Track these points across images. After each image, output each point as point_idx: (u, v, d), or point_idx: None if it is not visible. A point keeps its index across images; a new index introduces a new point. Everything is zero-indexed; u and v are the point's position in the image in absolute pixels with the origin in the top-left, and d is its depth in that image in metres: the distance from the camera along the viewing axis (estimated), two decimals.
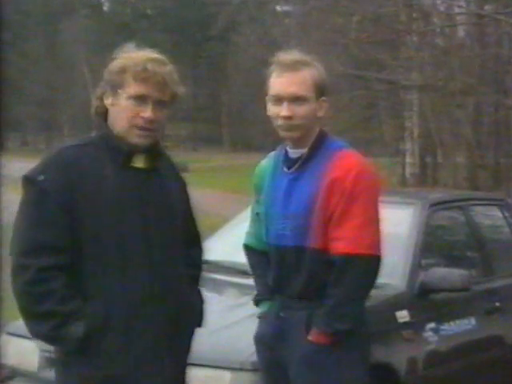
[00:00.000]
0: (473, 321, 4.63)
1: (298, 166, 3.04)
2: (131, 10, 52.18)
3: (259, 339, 3.19)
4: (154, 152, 2.69)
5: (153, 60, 2.62)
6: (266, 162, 3.22)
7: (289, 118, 2.97)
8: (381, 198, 3.04)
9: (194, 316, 2.82)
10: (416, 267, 4.41)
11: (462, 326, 4.55)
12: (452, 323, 4.48)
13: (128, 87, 2.59)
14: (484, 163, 15.58)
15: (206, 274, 4.62)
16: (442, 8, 13.08)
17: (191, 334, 2.80)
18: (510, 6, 11.17)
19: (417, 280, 4.33)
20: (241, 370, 3.64)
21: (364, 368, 3.07)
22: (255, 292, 3.28)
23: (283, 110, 2.96)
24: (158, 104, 2.62)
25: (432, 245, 4.80)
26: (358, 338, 3.02)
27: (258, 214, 3.21)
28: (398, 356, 4.09)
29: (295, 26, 18.96)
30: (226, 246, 5.08)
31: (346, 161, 3.00)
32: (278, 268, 3.09)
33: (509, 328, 4.93)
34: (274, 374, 3.13)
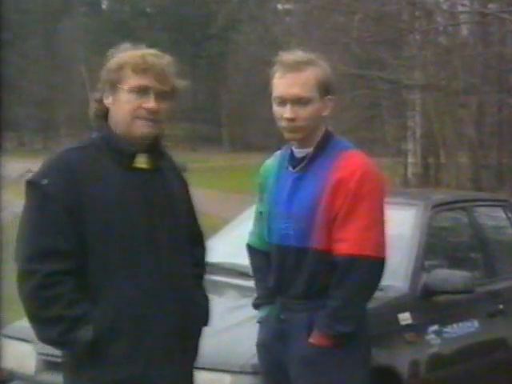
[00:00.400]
0: (476, 323, 4.63)
1: (303, 166, 3.05)
2: (130, 8, 52.15)
3: (260, 343, 3.20)
4: (156, 152, 2.70)
5: (150, 53, 2.65)
6: (271, 161, 3.23)
7: (292, 119, 2.97)
8: (386, 200, 3.05)
9: (201, 315, 2.84)
10: (418, 269, 4.42)
11: (464, 329, 4.55)
12: (455, 326, 4.48)
13: (128, 80, 2.60)
14: (487, 163, 15.57)
15: (206, 276, 4.65)
16: (445, 6, 13.08)
17: (199, 333, 2.81)
18: None
19: (419, 282, 4.34)
20: (241, 372, 3.65)
21: (365, 370, 3.07)
22: (255, 295, 3.28)
23: (286, 112, 2.97)
24: (160, 95, 2.62)
25: (435, 246, 4.80)
26: (360, 340, 3.03)
27: (261, 213, 3.21)
28: (401, 359, 4.09)
29: (296, 25, 18.94)
30: (227, 247, 5.09)
31: (351, 161, 3.00)
32: (280, 268, 3.09)
33: None
34: (276, 376, 3.14)
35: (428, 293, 4.32)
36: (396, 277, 4.21)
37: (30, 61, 48.57)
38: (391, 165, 18.08)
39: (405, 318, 4.16)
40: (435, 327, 4.34)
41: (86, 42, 47.42)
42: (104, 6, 56.56)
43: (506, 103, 14.15)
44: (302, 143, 3.06)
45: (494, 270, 5.06)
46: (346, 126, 14.64)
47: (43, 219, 2.55)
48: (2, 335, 4.32)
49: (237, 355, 3.70)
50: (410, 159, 18.58)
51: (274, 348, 3.10)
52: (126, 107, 2.61)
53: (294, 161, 3.09)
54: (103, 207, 2.57)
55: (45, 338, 2.60)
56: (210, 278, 4.66)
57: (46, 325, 2.54)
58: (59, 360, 2.79)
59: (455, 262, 4.99)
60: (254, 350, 3.33)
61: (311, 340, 2.97)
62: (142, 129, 2.62)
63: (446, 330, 4.40)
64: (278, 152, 3.24)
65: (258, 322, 3.22)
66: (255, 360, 3.42)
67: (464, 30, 15.51)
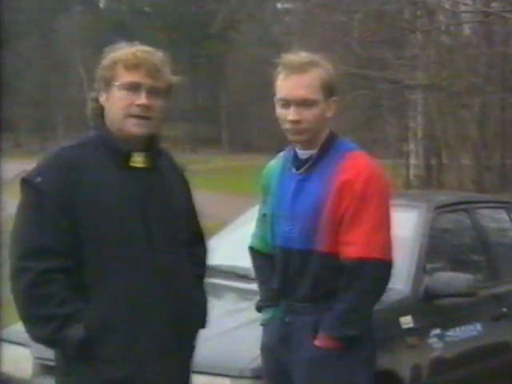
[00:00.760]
0: (479, 327, 4.63)
1: (307, 167, 3.06)
2: (128, 7, 52.18)
3: (264, 346, 3.20)
4: (153, 151, 2.70)
5: (142, 49, 2.66)
6: (275, 163, 3.24)
7: (296, 122, 2.98)
8: (392, 201, 3.06)
9: (198, 316, 2.84)
10: (420, 271, 4.42)
11: (467, 333, 4.55)
12: (457, 329, 4.48)
13: (120, 77, 2.61)
14: (490, 164, 15.56)
15: (206, 279, 4.65)
16: (447, 5, 13.07)
17: (195, 334, 2.82)
18: None
19: (421, 285, 4.34)
20: (240, 377, 3.65)
21: (370, 373, 3.08)
22: (256, 297, 3.28)
23: (290, 114, 2.97)
24: (152, 91, 2.62)
25: (437, 249, 4.80)
26: (365, 343, 3.04)
27: (264, 215, 3.21)
28: (402, 363, 4.09)
29: (296, 24, 18.96)
30: (226, 249, 5.09)
31: (356, 163, 3.01)
32: (284, 271, 3.09)
33: None
34: (280, 380, 3.14)
35: (430, 296, 4.32)
36: (397, 279, 4.19)
37: (26, 60, 48.57)
38: (393, 166, 18.08)
39: (406, 321, 4.16)
40: (437, 331, 4.34)
41: (83, 42, 47.39)
42: (101, 5, 56.59)
43: (509, 103, 14.15)
44: (306, 145, 3.06)
45: (497, 273, 5.06)
46: (347, 127, 14.64)
47: (37, 217, 2.56)
48: (1, 340, 4.32)
49: (236, 359, 3.70)
50: (412, 160, 18.60)
51: (278, 351, 3.10)
52: (118, 104, 2.62)
53: (297, 162, 3.09)
54: (98, 206, 2.57)
55: (36, 337, 2.61)
56: (210, 280, 4.67)
57: (38, 323, 2.55)
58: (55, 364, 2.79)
59: (458, 265, 4.99)
60: (253, 353, 3.33)
61: (317, 342, 2.97)
62: (134, 128, 2.63)
63: (448, 333, 4.40)
64: (281, 153, 3.24)
65: (262, 324, 3.22)
66: (255, 364, 3.42)
67: (466, 30, 15.52)
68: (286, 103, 2.99)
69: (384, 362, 3.78)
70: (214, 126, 50.43)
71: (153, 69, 2.61)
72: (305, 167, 3.07)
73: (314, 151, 3.06)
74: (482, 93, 13.58)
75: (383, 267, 2.99)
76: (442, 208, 4.95)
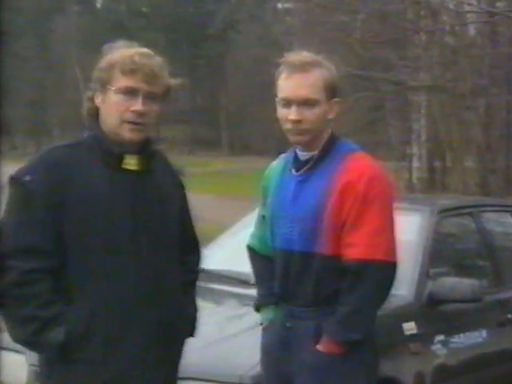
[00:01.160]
0: (484, 333, 4.63)
1: (308, 169, 3.06)
2: (126, 7, 52.18)
3: (264, 351, 3.20)
4: (147, 153, 2.70)
5: (140, 53, 2.65)
6: (276, 164, 3.24)
7: (298, 121, 2.98)
8: (395, 203, 3.06)
9: (186, 323, 2.83)
10: (424, 277, 4.42)
11: (472, 339, 4.55)
12: (462, 336, 4.48)
13: (116, 81, 2.62)
14: (495, 167, 15.56)
15: (204, 284, 4.64)
16: (451, 5, 13.08)
17: (183, 343, 2.81)
18: None
19: (425, 290, 4.34)
20: None
21: (372, 379, 3.08)
22: (256, 298, 3.28)
23: (292, 114, 2.97)
24: (149, 97, 2.63)
25: (441, 253, 4.80)
26: (368, 347, 3.04)
27: (263, 216, 3.22)
28: (405, 370, 4.09)
29: (297, 25, 18.98)
30: (225, 254, 5.09)
31: (358, 164, 3.01)
32: (284, 274, 3.09)
33: None
34: None
35: (434, 301, 4.32)
36: (400, 285, 4.18)
37: (22, 61, 48.61)
38: (395, 169, 18.08)
39: (410, 327, 4.16)
40: (441, 337, 4.34)
41: (79, 42, 47.43)
42: (99, 5, 56.58)
43: None
44: (307, 146, 3.06)
45: (502, 278, 5.06)
46: (349, 129, 14.64)
47: (25, 216, 2.57)
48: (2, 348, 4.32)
49: (236, 366, 3.70)
50: (415, 163, 18.58)
51: (279, 356, 3.10)
52: (114, 109, 2.63)
53: (297, 163, 3.09)
54: (86, 207, 2.58)
55: (16, 337, 2.61)
56: (208, 285, 4.69)
57: (19, 323, 2.55)
58: None
59: (462, 270, 4.99)
60: (253, 360, 3.33)
61: (320, 347, 2.97)
62: (129, 133, 2.64)
63: (452, 340, 4.40)
64: (283, 154, 3.24)
65: (261, 324, 3.22)
66: (255, 371, 3.42)
67: (471, 30, 15.52)
68: (288, 103, 2.99)
69: (387, 368, 3.78)
70: (213, 127, 50.44)
71: (150, 74, 2.62)
72: (305, 168, 3.07)
73: (314, 152, 3.06)
74: (487, 94, 13.59)
75: (387, 269, 2.99)
76: (445, 212, 4.95)
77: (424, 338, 4.23)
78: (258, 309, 3.24)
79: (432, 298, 4.31)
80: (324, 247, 2.98)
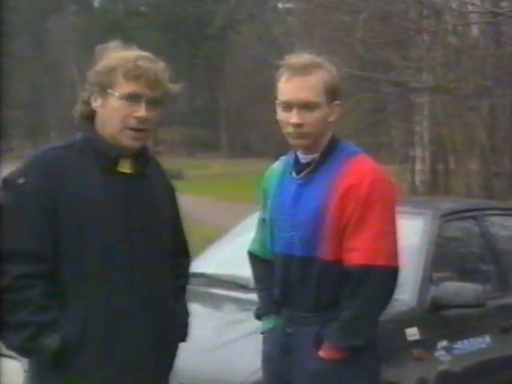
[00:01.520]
0: (487, 339, 4.63)
1: (308, 172, 3.06)
2: (123, 6, 52.23)
3: (265, 357, 3.19)
4: (141, 157, 2.70)
5: (143, 57, 2.65)
6: (277, 166, 3.24)
7: (299, 125, 2.97)
8: (397, 207, 3.05)
9: (179, 328, 2.83)
10: (427, 281, 4.41)
11: (476, 345, 4.54)
12: (465, 341, 4.48)
13: (119, 86, 2.61)
14: (499, 170, 15.57)
15: (203, 288, 4.65)
16: (454, 5, 13.08)
17: (175, 349, 2.81)
18: None
19: (428, 295, 4.33)
20: None
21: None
22: (257, 306, 3.27)
23: (293, 117, 2.97)
24: (151, 103, 2.63)
25: (444, 257, 4.79)
26: (371, 353, 3.04)
27: (263, 220, 3.22)
28: (408, 376, 4.09)
29: (298, 25, 18.99)
30: (225, 258, 5.09)
31: (359, 167, 3.01)
32: (285, 279, 3.09)
33: None
34: None
35: (437, 306, 4.32)
36: (403, 290, 4.18)
37: (18, 61, 48.62)
38: (398, 172, 18.10)
39: (412, 333, 4.16)
40: (444, 343, 4.33)
41: (76, 42, 47.44)
42: (96, 5, 56.63)
43: None
44: (308, 149, 3.06)
45: (506, 283, 5.05)
46: (350, 131, 14.66)
47: (18, 220, 2.56)
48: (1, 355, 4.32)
49: (236, 372, 3.70)
50: (418, 166, 18.61)
51: (280, 362, 3.09)
52: (116, 115, 2.62)
53: (298, 166, 3.09)
54: (80, 210, 2.57)
55: (9, 344, 2.60)
56: (208, 290, 4.69)
57: (11, 330, 2.54)
58: None
59: (465, 274, 4.99)
60: (254, 366, 3.32)
61: (322, 354, 2.97)
62: (130, 140, 2.64)
63: (455, 346, 4.39)
64: (284, 157, 3.24)
65: (262, 333, 3.22)
66: (255, 377, 3.42)
67: (475, 30, 15.53)
68: (288, 106, 2.99)
69: (389, 375, 3.77)
70: (212, 129, 50.47)
71: (153, 79, 2.62)
72: (305, 171, 3.07)
73: (315, 155, 3.06)
74: (491, 95, 13.59)
75: (389, 274, 2.98)
76: (448, 215, 4.95)
77: (427, 343, 4.23)
78: (259, 317, 3.24)
79: (435, 303, 4.31)
80: (325, 252, 2.98)
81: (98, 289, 2.58)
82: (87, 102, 2.69)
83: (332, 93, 3.02)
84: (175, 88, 2.72)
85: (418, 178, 18.64)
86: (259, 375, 3.32)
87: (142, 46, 2.74)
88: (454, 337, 4.40)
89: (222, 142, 49.80)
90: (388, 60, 13.94)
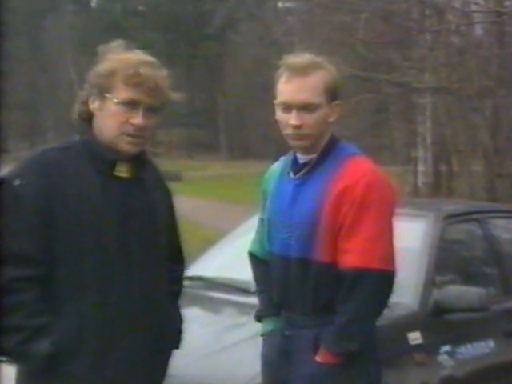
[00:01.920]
0: (491, 343, 4.62)
1: (305, 172, 3.06)
2: (121, 6, 52.25)
3: (264, 360, 3.20)
4: (138, 161, 2.70)
5: (145, 63, 2.63)
6: (276, 167, 3.25)
7: (298, 126, 2.98)
8: (396, 210, 3.04)
9: (173, 336, 2.83)
10: (429, 285, 4.41)
11: (479, 349, 4.54)
12: (469, 346, 4.47)
13: (118, 92, 2.60)
14: (503, 171, 15.55)
15: (202, 292, 4.65)
16: (457, 5, 13.08)
17: (170, 352, 2.81)
18: None
19: (430, 299, 4.33)
20: None
21: None
22: (257, 309, 3.28)
23: (292, 119, 2.97)
24: (149, 110, 2.63)
25: (446, 261, 4.79)
26: (369, 358, 3.03)
27: (262, 220, 3.22)
28: (410, 381, 4.08)
29: (298, 25, 18.99)
30: (225, 261, 5.09)
31: (356, 168, 3.01)
32: (283, 281, 3.09)
33: None
34: None
35: (439, 310, 4.31)
36: (405, 293, 4.20)
37: (15, 61, 48.64)
38: (400, 173, 18.09)
39: (415, 337, 4.15)
40: (447, 347, 4.33)
41: (73, 42, 47.49)
42: (93, 4, 56.65)
43: None
44: (307, 150, 3.07)
45: (510, 287, 5.05)
46: (352, 132, 14.65)
47: (14, 222, 2.55)
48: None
49: (236, 376, 3.70)
50: (420, 167, 18.59)
51: (278, 365, 3.10)
52: (112, 120, 2.62)
53: (296, 166, 3.10)
54: (76, 214, 2.57)
55: (0, 348, 2.57)
56: (207, 293, 4.69)
57: (4, 333, 2.52)
58: None
59: (468, 278, 4.99)
60: (253, 371, 3.32)
61: (318, 358, 2.97)
62: (127, 146, 2.64)
63: (459, 350, 4.39)
64: (283, 157, 3.25)
65: (262, 336, 3.22)
66: (255, 381, 3.41)
67: (478, 30, 15.54)
68: (288, 107, 2.99)
69: (391, 379, 3.77)
70: (211, 130, 50.48)
71: (154, 87, 2.61)
72: (302, 172, 3.07)
73: (313, 156, 3.06)
74: (494, 96, 13.59)
75: (383, 278, 2.98)
76: (451, 218, 4.95)
77: (429, 348, 4.22)
78: (259, 319, 3.24)
79: (438, 306, 4.31)
80: (321, 254, 2.98)
81: (94, 293, 2.57)
82: (85, 103, 2.68)
83: (332, 93, 3.02)
84: (176, 96, 2.72)
85: (420, 180, 18.62)
86: (259, 380, 3.32)
87: (141, 46, 2.74)
88: (457, 341, 4.40)
89: (222, 143, 49.82)
90: (390, 60, 13.94)
